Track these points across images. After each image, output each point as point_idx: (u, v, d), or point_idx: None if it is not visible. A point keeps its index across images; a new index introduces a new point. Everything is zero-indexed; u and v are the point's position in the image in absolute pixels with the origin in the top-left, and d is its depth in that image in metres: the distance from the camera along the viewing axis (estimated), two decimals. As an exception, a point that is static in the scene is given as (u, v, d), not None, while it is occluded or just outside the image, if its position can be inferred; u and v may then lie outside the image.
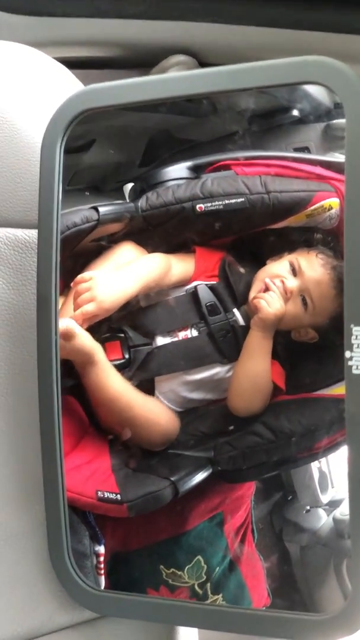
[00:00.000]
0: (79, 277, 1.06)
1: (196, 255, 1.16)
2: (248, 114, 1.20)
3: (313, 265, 1.11)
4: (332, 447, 1.09)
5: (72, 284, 1.06)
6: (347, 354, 0.71)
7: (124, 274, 1.10)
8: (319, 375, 1.12)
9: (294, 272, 1.11)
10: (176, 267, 1.14)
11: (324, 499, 1.24)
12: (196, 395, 1.14)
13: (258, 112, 1.20)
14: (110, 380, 1.08)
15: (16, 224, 0.93)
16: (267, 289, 1.10)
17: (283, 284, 1.10)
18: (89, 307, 1.05)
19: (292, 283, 1.10)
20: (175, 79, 0.85)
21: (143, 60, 1.17)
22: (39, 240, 0.88)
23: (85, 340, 1.05)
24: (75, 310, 1.05)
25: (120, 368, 1.10)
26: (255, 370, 1.11)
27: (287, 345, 1.11)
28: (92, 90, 0.85)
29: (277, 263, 1.13)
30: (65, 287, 1.06)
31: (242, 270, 1.15)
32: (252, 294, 1.12)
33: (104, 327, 1.11)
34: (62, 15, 1.14)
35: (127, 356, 1.11)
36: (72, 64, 1.10)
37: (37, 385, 0.90)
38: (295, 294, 1.10)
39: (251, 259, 1.17)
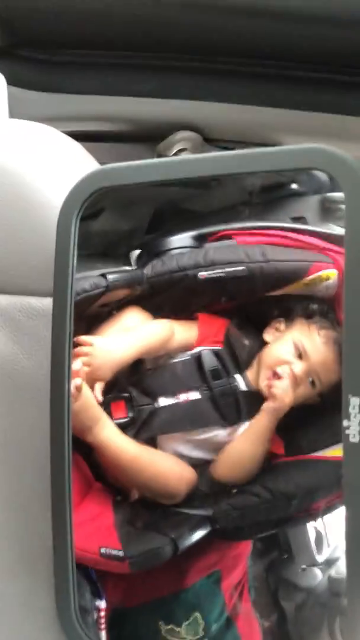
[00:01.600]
0: (81, 339, 1.09)
1: (199, 322, 1.19)
2: (250, 188, 1.24)
3: (317, 345, 1.14)
4: (329, 507, 1.12)
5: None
6: (345, 422, 0.74)
7: (122, 341, 1.13)
8: (316, 437, 1.14)
9: (299, 355, 1.13)
10: (179, 333, 1.17)
11: (320, 558, 1.25)
12: (196, 454, 1.17)
13: (259, 187, 1.24)
14: (123, 445, 1.11)
15: (31, 292, 0.96)
16: (276, 375, 1.13)
17: (292, 371, 1.12)
18: (83, 372, 1.08)
19: (300, 368, 1.13)
20: (186, 161, 0.89)
21: (151, 135, 1.21)
22: (54, 308, 0.91)
23: (93, 403, 1.09)
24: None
25: (123, 427, 1.13)
26: (253, 452, 1.14)
27: (287, 413, 1.14)
28: (108, 169, 0.90)
29: (279, 344, 1.16)
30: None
31: (244, 338, 1.19)
32: (261, 381, 1.14)
33: (111, 388, 1.14)
34: (73, 92, 1.17)
35: (131, 415, 1.14)
36: (82, 137, 1.14)
37: (49, 446, 0.92)
38: (304, 378, 1.13)
39: (251, 326, 1.21)
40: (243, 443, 1.15)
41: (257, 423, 1.14)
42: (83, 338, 1.10)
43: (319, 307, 1.17)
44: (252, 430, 1.14)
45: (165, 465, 1.14)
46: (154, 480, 1.13)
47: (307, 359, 1.13)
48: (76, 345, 1.07)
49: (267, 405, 1.13)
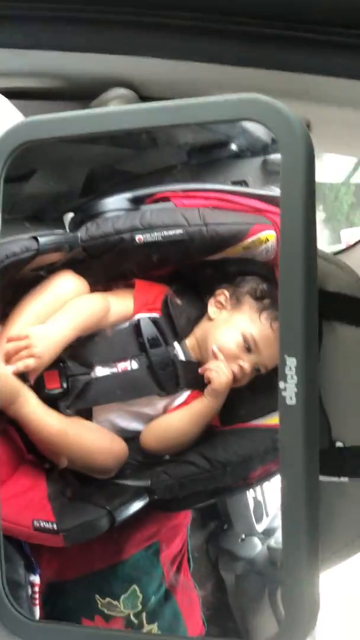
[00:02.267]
0: (14, 335, 1.06)
1: (135, 289, 1.17)
2: (187, 148, 1.21)
3: (268, 340, 1.11)
4: (267, 476, 1.10)
5: (6, 340, 1.06)
6: (281, 384, 0.72)
7: (59, 323, 1.10)
8: (254, 405, 1.13)
9: (249, 348, 1.11)
10: (115, 305, 1.14)
11: (259, 527, 1.25)
12: (134, 425, 1.15)
13: (197, 146, 1.22)
14: (45, 419, 1.08)
15: None
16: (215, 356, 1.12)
17: (241, 369, 1.11)
18: (30, 363, 1.05)
19: (248, 363, 1.11)
20: (116, 112, 0.85)
21: (83, 93, 1.17)
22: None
23: (9, 379, 1.05)
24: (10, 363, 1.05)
25: (57, 397, 1.10)
26: (188, 430, 1.13)
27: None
28: (32, 122, 0.85)
29: (227, 331, 1.13)
30: (4, 316, 1.06)
31: (183, 304, 1.16)
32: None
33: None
34: (1, 46, 1.13)
35: (65, 385, 1.11)
36: (11, 94, 1.10)
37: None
38: (252, 370, 1.12)
39: (191, 292, 1.19)
40: (180, 421, 1.13)
41: (198, 405, 1.13)
42: (17, 333, 1.06)
43: (269, 287, 1.14)
44: (191, 411, 1.13)
45: (91, 439, 1.11)
46: (80, 455, 1.11)
47: (258, 353, 1.12)
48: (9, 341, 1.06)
49: (207, 389, 1.11)
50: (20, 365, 1.05)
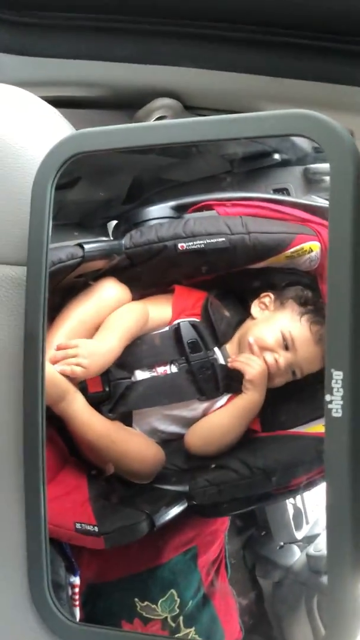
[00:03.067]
0: (64, 343, 1.08)
1: (174, 295, 1.18)
2: (231, 157, 1.22)
3: (306, 341, 1.12)
4: (308, 484, 1.10)
5: (55, 348, 1.07)
6: (328, 397, 0.72)
7: (107, 340, 1.11)
8: (296, 413, 1.13)
9: (286, 346, 1.12)
10: (153, 311, 1.15)
11: (298, 535, 1.25)
12: (173, 429, 1.15)
13: (241, 156, 1.22)
14: (91, 420, 1.10)
15: (5, 261, 0.94)
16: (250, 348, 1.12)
17: (276, 362, 1.11)
18: (77, 370, 1.07)
19: (284, 360, 1.12)
20: (166, 127, 0.87)
21: (129, 102, 1.19)
22: (28, 277, 0.89)
23: (57, 377, 1.07)
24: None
25: (99, 400, 1.11)
26: (232, 428, 1.13)
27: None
28: (83, 134, 0.87)
29: (268, 327, 1.14)
30: (50, 322, 1.07)
31: (224, 309, 1.17)
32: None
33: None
34: (50, 56, 1.15)
35: (107, 389, 1.12)
36: (59, 103, 1.11)
37: (22, 419, 0.90)
38: (288, 370, 1.12)
39: (232, 298, 1.19)
40: (223, 418, 1.13)
41: (240, 401, 1.12)
42: (66, 342, 1.08)
43: (313, 295, 1.14)
44: (235, 407, 1.13)
45: (131, 444, 1.13)
46: (120, 459, 1.12)
47: (294, 352, 1.12)
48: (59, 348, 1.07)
49: (243, 385, 1.11)
50: (67, 368, 1.06)
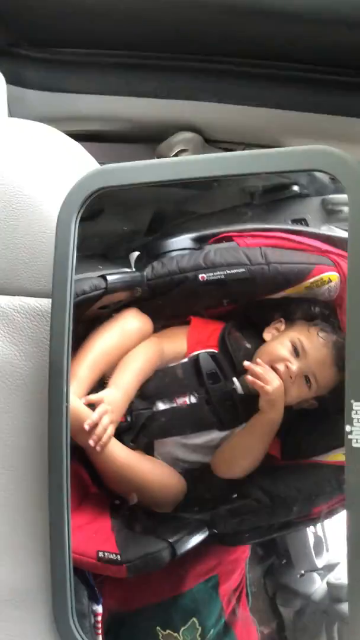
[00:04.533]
0: (90, 400, 1.10)
1: (190, 327, 1.19)
2: (251, 190, 1.23)
3: (316, 346, 1.13)
4: (329, 512, 1.11)
5: (84, 402, 1.09)
6: (348, 427, 0.73)
7: (126, 384, 1.13)
8: (316, 441, 1.13)
9: (296, 352, 1.13)
10: (168, 345, 1.17)
11: (319, 563, 1.25)
12: (193, 458, 1.16)
13: (261, 188, 1.23)
14: (114, 450, 1.11)
15: (29, 293, 0.95)
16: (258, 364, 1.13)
17: (288, 368, 1.12)
18: (109, 432, 1.09)
19: (296, 366, 1.12)
20: (188, 162, 0.88)
21: (151, 136, 1.20)
22: (53, 309, 0.91)
23: (81, 409, 1.08)
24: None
25: (122, 431, 1.13)
26: (254, 448, 1.13)
27: (285, 415, 1.13)
28: (107, 169, 0.89)
29: (278, 342, 1.15)
30: (74, 352, 1.09)
31: (242, 340, 1.18)
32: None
33: (108, 391, 1.13)
34: (73, 92, 1.17)
35: (129, 419, 1.13)
36: (82, 137, 1.13)
37: (46, 449, 0.91)
38: (300, 376, 1.12)
39: (250, 328, 1.20)
40: (245, 439, 1.14)
41: (259, 420, 1.13)
42: (92, 398, 1.10)
43: (321, 310, 1.15)
44: (254, 427, 1.13)
45: (153, 474, 1.14)
46: (140, 489, 1.13)
47: (305, 357, 1.13)
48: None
49: (261, 404, 1.12)
50: (104, 438, 1.09)
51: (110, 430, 1.09)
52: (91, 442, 1.08)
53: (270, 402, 1.11)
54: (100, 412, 1.09)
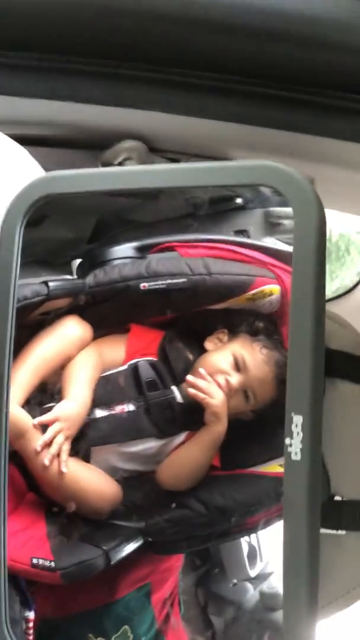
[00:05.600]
0: (45, 420, 1.10)
1: (129, 334, 1.19)
2: (194, 201, 1.24)
3: (257, 362, 1.14)
4: (264, 523, 1.12)
5: (36, 424, 1.10)
6: (287, 440, 0.74)
7: (77, 395, 1.13)
8: (253, 452, 1.15)
9: (238, 367, 1.14)
10: (107, 352, 1.18)
11: (252, 572, 1.26)
12: (129, 466, 1.17)
13: (204, 200, 1.24)
14: None
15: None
16: (199, 375, 1.14)
17: (227, 382, 1.13)
18: (66, 448, 1.11)
19: (236, 380, 1.13)
20: (135, 172, 0.89)
21: (96, 142, 1.20)
22: (-5, 315, 0.90)
23: (18, 415, 1.08)
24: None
25: (58, 437, 1.12)
26: (201, 460, 1.15)
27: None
28: (53, 177, 0.88)
29: (220, 354, 1.16)
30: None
31: (183, 349, 1.18)
32: (186, 385, 1.14)
33: (45, 398, 1.14)
34: (18, 95, 1.16)
35: (64, 426, 1.12)
36: (26, 140, 1.12)
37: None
38: (239, 390, 1.14)
39: (191, 338, 1.21)
40: (192, 451, 1.15)
41: (205, 433, 1.14)
42: (46, 418, 1.10)
43: (264, 326, 1.16)
44: (200, 440, 1.14)
45: (87, 481, 1.14)
46: (75, 496, 1.12)
47: (245, 373, 1.14)
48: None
49: (207, 417, 1.13)
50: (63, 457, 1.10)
51: (66, 447, 1.10)
52: (46, 462, 1.08)
53: (215, 415, 1.12)
54: (54, 431, 1.09)
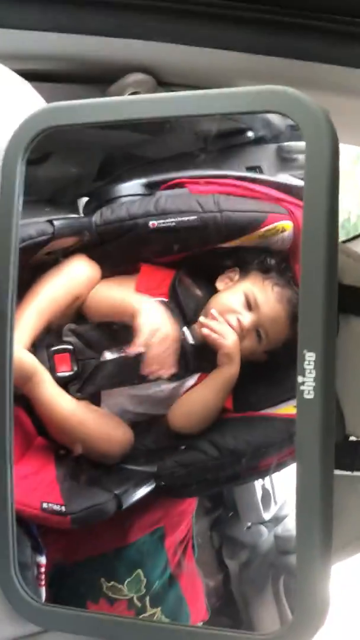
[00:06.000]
0: None
1: (139, 274, 1.17)
2: (204, 134, 1.21)
3: (268, 300, 1.12)
4: (277, 465, 1.10)
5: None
6: (300, 379, 0.72)
7: None
8: (266, 394, 1.13)
9: (249, 306, 1.12)
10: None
11: (266, 515, 1.25)
12: (141, 409, 1.15)
13: (214, 133, 1.21)
14: (58, 400, 1.09)
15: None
16: (211, 316, 1.12)
17: (239, 322, 1.11)
18: None
19: (248, 319, 1.12)
20: (137, 101, 0.86)
21: (102, 77, 1.17)
22: (-3, 255, 0.88)
23: (24, 357, 1.06)
24: None
25: (68, 380, 1.11)
26: (213, 401, 1.12)
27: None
28: (55, 108, 0.86)
29: (231, 293, 1.14)
30: (19, 298, 1.06)
31: (194, 288, 1.16)
32: (198, 326, 1.13)
33: (55, 340, 1.11)
34: (21, 28, 1.13)
35: (75, 368, 1.11)
36: (30, 76, 1.09)
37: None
38: (251, 330, 1.12)
39: (202, 277, 1.18)
40: (203, 392, 1.13)
41: (218, 374, 1.12)
42: None
43: (276, 263, 1.14)
44: (213, 381, 1.12)
45: (97, 424, 1.12)
46: (85, 440, 1.11)
47: (257, 311, 1.12)
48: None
49: (220, 358, 1.11)
50: None
51: None
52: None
53: (227, 356, 1.10)
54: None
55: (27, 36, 1.13)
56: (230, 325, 1.11)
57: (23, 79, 1.05)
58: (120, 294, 1.14)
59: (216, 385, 1.12)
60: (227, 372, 1.11)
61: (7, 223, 0.86)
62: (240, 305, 1.12)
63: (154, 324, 1.11)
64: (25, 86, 1.05)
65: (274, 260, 1.15)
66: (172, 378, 1.13)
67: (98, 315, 1.14)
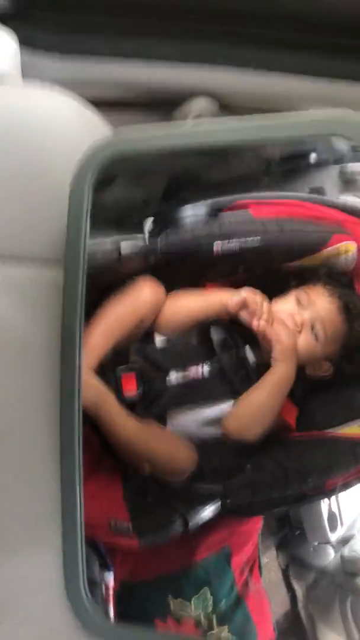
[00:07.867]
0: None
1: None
2: (268, 158, 1.21)
3: (319, 296, 1.13)
4: (343, 486, 1.10)
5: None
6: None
7: None
8: (331, 413, 1.13)
9: (301, 304, 1.13)
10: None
11: (333, 536, 1.24)
12: (206, 430, 1.15)
13: (278, 156, 1.22)
14: (123, 422, 1.10)
15: (41, 261, 0.94)
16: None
17: (292, 317, 1.12)
18: None
19: (301, 315, 1.12)
20: (205, 129, 0.87)
21: (167, 102, 1.18)
22: (66, 277, 0.89)
23: (90, 380, 1.07)
24: None
25: (135, 401, 1.12)
26: (267, 402, 1.12)
27: (300, 383, 1.12)
28: (122, 135, 0.87)
29: (282, 300, 1.15)
30: (87, 319, 1.08)
31: None
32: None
33: (121, 361, 1.13)
34: (86, 55, 1.15)
35: (141, 388, 1.12)
36: (96, 102, 1.11)
37: (57, 418, 0.90)
38: (306, 326, 1.12)
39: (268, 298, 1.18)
40: (254, 393, 1.12)
41: (270, 373, 1.12)
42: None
43: (339, 282, 1.14)
44: (265, 381, 1.12)
45: (163, 445, 1.13)
46: (150, 459, 1.11)
47: (309, 307, 1.13)
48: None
49: (273, 356, 1.11)
50: None
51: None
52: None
53: (282, 353, 1.10)
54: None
55: (93, 64, 1.15)
56: (285, 324, 1.11)
57: (90, 105, 1.07)
58: (200, 296, 1.16)
59: (270, 385, 1.12)
60: (282, 370, 1.11)
61: (76, 247, 0.88)
62: (292, 305, 1.14)
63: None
64: (92, 112, 1.06)
65: (336, 280, 1.14)
66: (235, 397, 1.13)
67: (173, 325, 1.15)
